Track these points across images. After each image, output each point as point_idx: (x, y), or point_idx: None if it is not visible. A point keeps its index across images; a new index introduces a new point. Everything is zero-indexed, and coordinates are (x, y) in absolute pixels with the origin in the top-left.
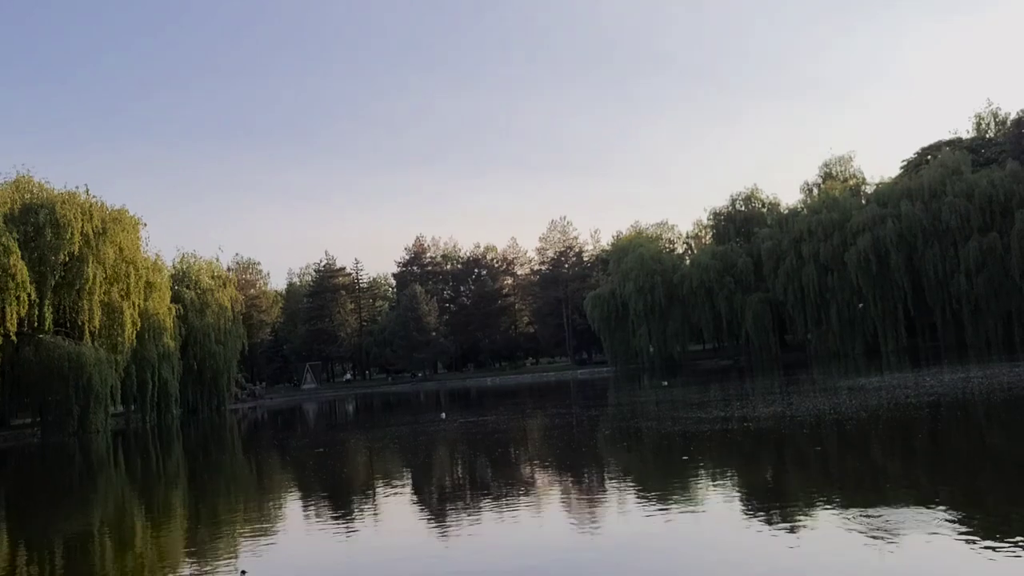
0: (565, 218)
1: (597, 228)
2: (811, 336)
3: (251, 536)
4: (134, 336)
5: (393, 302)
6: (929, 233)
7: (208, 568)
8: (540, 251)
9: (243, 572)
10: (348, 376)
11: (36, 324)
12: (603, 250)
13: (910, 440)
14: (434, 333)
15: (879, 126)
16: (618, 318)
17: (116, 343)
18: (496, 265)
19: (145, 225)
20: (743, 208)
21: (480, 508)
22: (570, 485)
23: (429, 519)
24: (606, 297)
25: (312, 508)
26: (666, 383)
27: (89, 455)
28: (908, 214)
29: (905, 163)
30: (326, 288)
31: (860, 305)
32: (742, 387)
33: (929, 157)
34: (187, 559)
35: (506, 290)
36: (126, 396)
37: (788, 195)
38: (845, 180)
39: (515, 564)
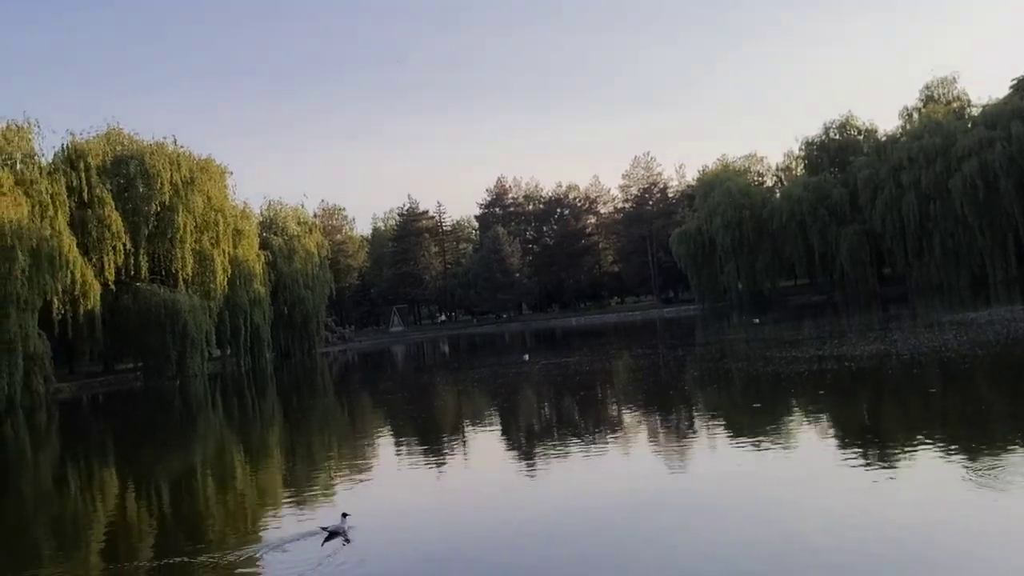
0: (649, 154)
1: (682, 163)
2: (912, 268)
3: (347, 475)
4: (225, 283)
5: (476, 244)
6: None
7: (306, 506)
8: (623, 188)
9: (344, 515)
10: (443, 318)
11: (133, 273)
12: (688, 185)
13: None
14: (517, 274)
15: (985, 44)
16: (705, 255)
17: (208, 289)
18: (579, 204)
19: (231, 174)
20: (837, 136)
21: (568, 448)
22: (657, 425)
23: (518, 458)
24: (692, 233)
25: (404, 448)
26: (757, 320)
27: (188, 397)
28: (1019, 136)
29: (1015, 82)
30: (410, 232)
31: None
32: (838, 324)
33: None
34: (286, 497)
35: (589, 229)
36: (220, 341)
37: (886, 122)
38: (948, 103)
39: (603, 503)
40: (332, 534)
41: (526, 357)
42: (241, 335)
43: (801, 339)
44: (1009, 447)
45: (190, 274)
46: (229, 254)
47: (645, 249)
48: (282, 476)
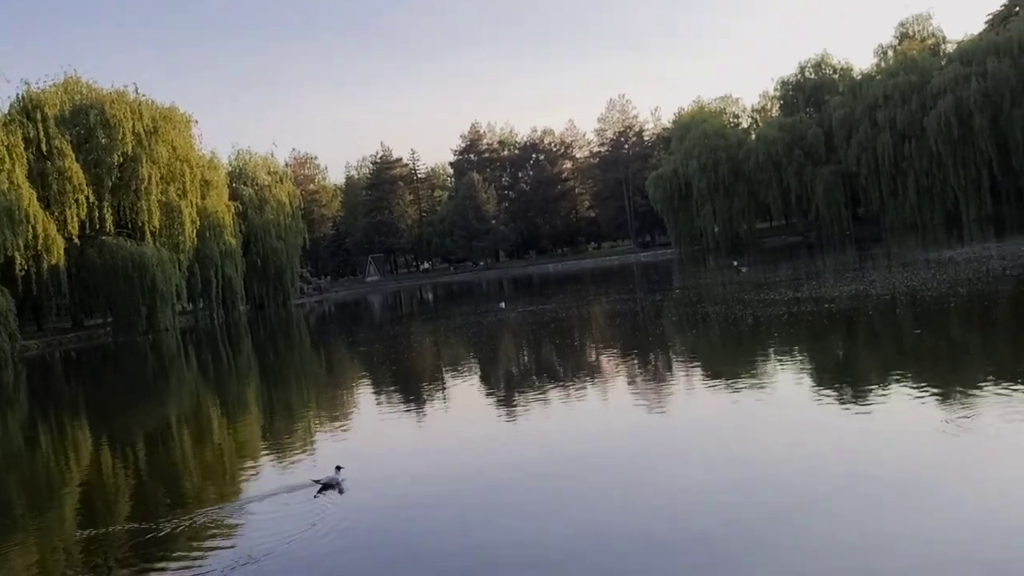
0: (624, 96)
1: (658, 106)
2: (887, 208)
3: (326, 428)
4: (194, 235)
5: (451, 192)
6: (1017, 92)
7: (286, 458)
8: (599, 132)
9: (338, 467)
10: (426, 265)
11: (98, 226)
12: (664, 128)
13: (999, 315)
14: (493, 221)
15: None
16: (681, 198)
17: (177, 242)
18: (554, 149)
19: (196, 123)
20: (813, 76)
21: (547, 394)
22: (635, 370)
23: (498, 404)
24: (668, 177)
25: (384, 397)
26: (736, 263)
27: (160, 353)
28: (995, 72)
29: (991, 17)
30: (384, 180)
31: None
32: (814, 265)
33: (1018, 8)
34: (265, 451)
35: (565, 174)
36: (192, 295)
37: (861, 60)
38: (923, 40)
39: (583, 448)
40: (325, 486)
41: (502, 305)
42: (213, 288)
43: (778, 281)
44: (983, 385)
45: (157, 226)
46: (197, 205)
47: (621, 194)
48: (260, 430)
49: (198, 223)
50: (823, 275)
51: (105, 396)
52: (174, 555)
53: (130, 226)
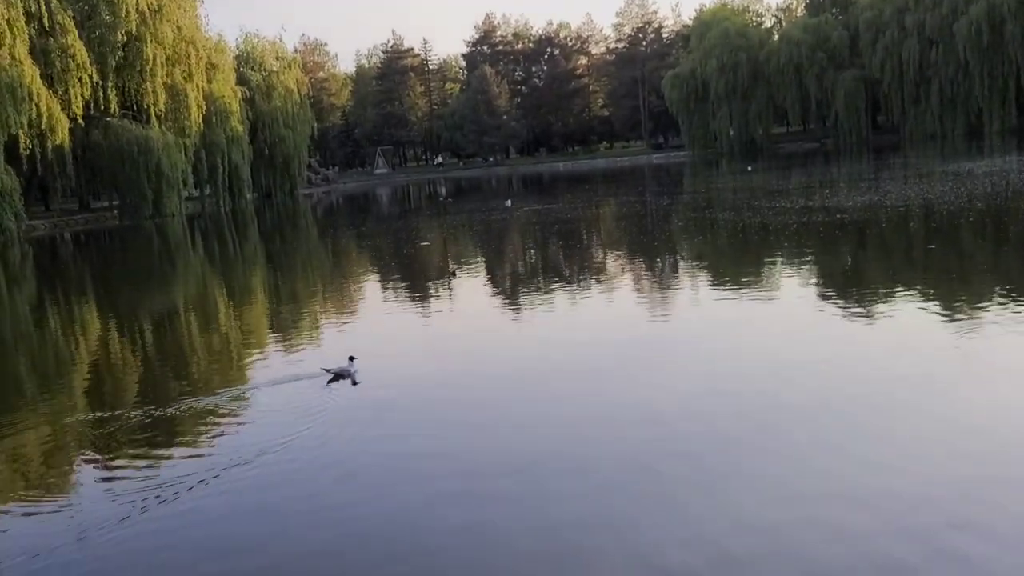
0: None
1: (678, 1)
2: (908, 116)
3: (332, 318)
4: (200, 119)
5: (463, 85)
6: None
7: (291, 346)
8: (616, 28)
9: (351, 358)
10: (440, 160)
11: (102, 107)
12: (684, 26)
13: (1016, 231)
14: (505, 116)
15: None
16: (698, 99)
17: (183, 126)
18: (569, 44)
19: (203, 2)
20: None
21: (548, 294)
22: (637, 274)
23: (501, 306)
24: (686, 76)
25: (389, 291)
26: (750, 168)
27: (167, 237)
28: None
29: None
30: (394, 70)
31: None
32: (829, 173)
33: None
34: (271, 338)
35: (580, 71)
36: (198, 181)
37: None
38: None
39: (585, 347)
40: (337, 376)
41: (508, 203)
42: (219, 175)
43: (790, 189)
44: (991, 302)
45: (163, 110)
46: (203, 89)
47: (636, 92)
48: (267, 318)
49: (204, 108)
50: (837, 184)
51: (112, 278)
52: (181, 438)
53: (135, 108)
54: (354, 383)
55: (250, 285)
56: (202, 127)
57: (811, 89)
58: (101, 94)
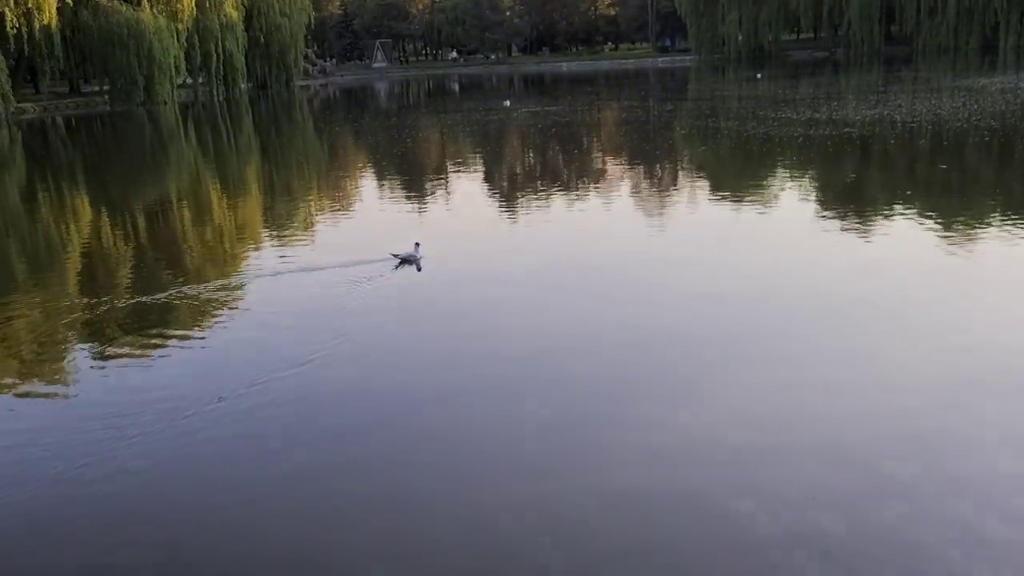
0: None
1: None
2: (922, 28)
3: (328, 211)
4: (193, 4)
5: None
6: None
7: (286, 238)
8: None
9: (417, 244)
10: (454, 54)
11: None
12: None
13: (1013, 158)
14: (508, 12)
15: None
16: (708, 1)
17: (175, 10)
18: None
19: None
20: None
21: (550, 198)
22: (631, 183)
23: (499, 205)
24: None
25: (385, 186)
26: (759, 76)
27: (159, 125)
28: None
29: None
30: None
31: None
32: (838, 83)
33: None
34: (265, 229)
35: None
36: (191, 68)
37: None
38: None
39: (583, 254)
40: (404, 261)
41: (507, 103)
42: (213, 62)
43: (797, 99)
44: (990, 220)
45: None
46: None
47: None
48: (261, 209)
49: None
50: (846, 96)
51: (105, 166)
52: (173, 324)
53: None
54: (419, 268)
55: (244, 177)
56: (195, 12)
57: None
58: None
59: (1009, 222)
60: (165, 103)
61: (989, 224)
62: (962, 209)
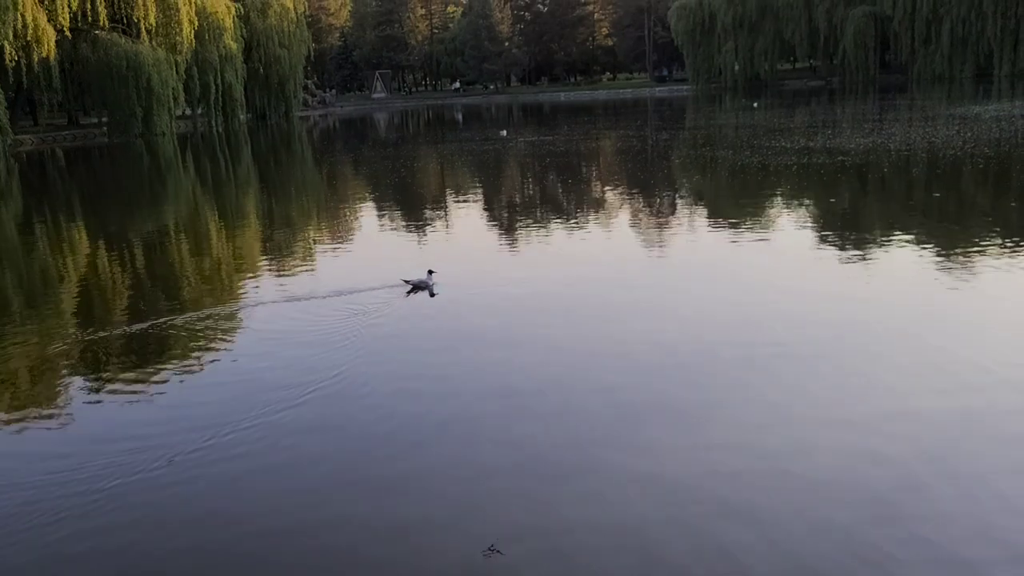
0: None
1: None
2: (917, 56)
3: (328, 241)
4: (192, 36)
5: (465, 8)
6: None
7: (286, 270)
8: None
9: (430, 271)
10: (456, 85)
11: (90, 19)
12: None
13: (1009, 186)
14: (507, 43)
15: None
16: (704, 31)
17: (175, 43)
18: None
19: None
20: None
21: (547, 227)
22: (629, 211)
23: (499, 232)
24: (693, 7)
25: (385, 216)
26: (756, 104)
27: (157, 156)
28: None
29: None
30: None
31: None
32: (833, 112)
33: None
34: (265, 261)
35: None
36: (190, 99)
37: None
38: None
39: (579, 273)
40: (416, 287)
41: (504, 133)
42: (212, 94)
43: (793, 127)
44: (986, 249)
45: (153, 24)
46: (196, 4)
47: (642, 22)
48: (260, 240)
49: (196, 23)
50: (841, 124)
51: (102, 197)
52: (172, 356)
53: (125, 22)
54: (432, 294)
55: (243, 208)
56: (194, 44)
57: (820, 24)
58: (89, 6)
59: (1006, 250)
60: (164, 134)
61: (986, 252)
62: (958, 237)
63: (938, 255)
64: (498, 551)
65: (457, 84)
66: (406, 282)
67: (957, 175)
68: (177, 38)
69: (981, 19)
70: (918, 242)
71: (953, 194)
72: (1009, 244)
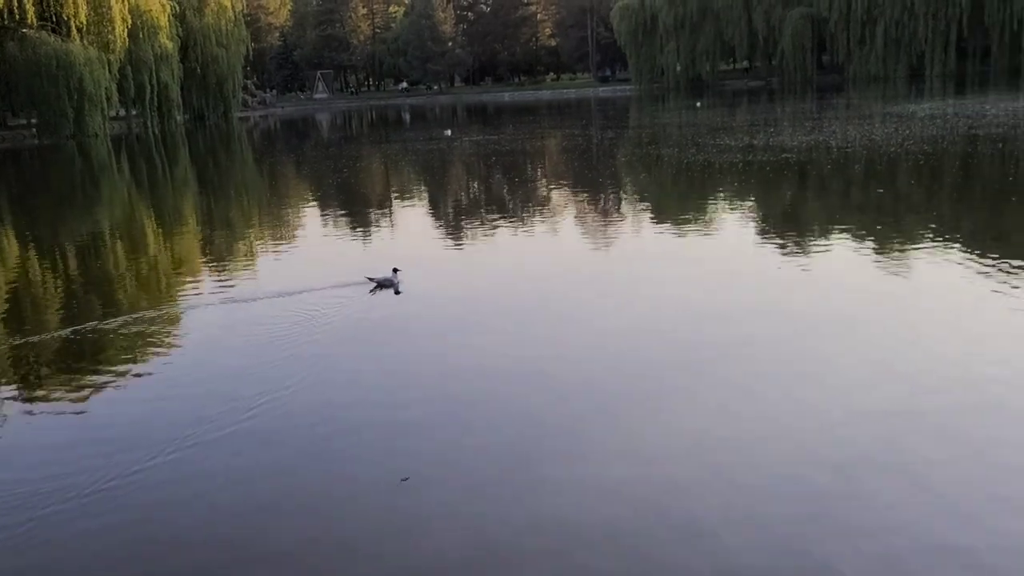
0: None
1: None
2: (853, 57)
3: (271, 244)
4: (126, 34)
5: (407, 8)
6: None
7: (226, 274)
8: None
9: (395, 269)
10: (404, 84)
11: (17, 17)
12: None
13: (957, 172)
14: (450, 43)
15: None
16: (646, 32)
17: (107, 41)
18: None
19: None
20: None
21: (495, 226)
22: (585, 206)
23: (443, 232)
24: (635, 8)
25: (329, 217)
26: (699, 104)
27: (90, 158)
28: None
29: None
30: None
31: None
32: (773, 111)
33: None
34: (206, 265)
35: None
36: (124, 100)
37: None
38: None
39: (527, 281)
40: (380, 285)
41: (448, 132)
42: (147, 94)
43: (735, 126)
44: (924, 243)
45: (84, 22)
46: (129, 2)
47: (585, 23)
48: (199, 243)
49: (130, 21)
50: (782, 123)
51: (33, 200)
52: (105, 361)
53: (54, 20)
54: (397, 292)
55: (181, 210)
56: (128, 42)
57: (759, 25)
58: (16, 3)
59: (941, 241)
60: (97, 135)
61: (922, 244)
62: (900, 231)
63: (881, 249)
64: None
65: (404, 84)
66: (370, 280)
67: (898, 170)
68: (110, 36)
69: (914, 20)
70: (861, 236)
71: (894, 189)
72: (948, 238)
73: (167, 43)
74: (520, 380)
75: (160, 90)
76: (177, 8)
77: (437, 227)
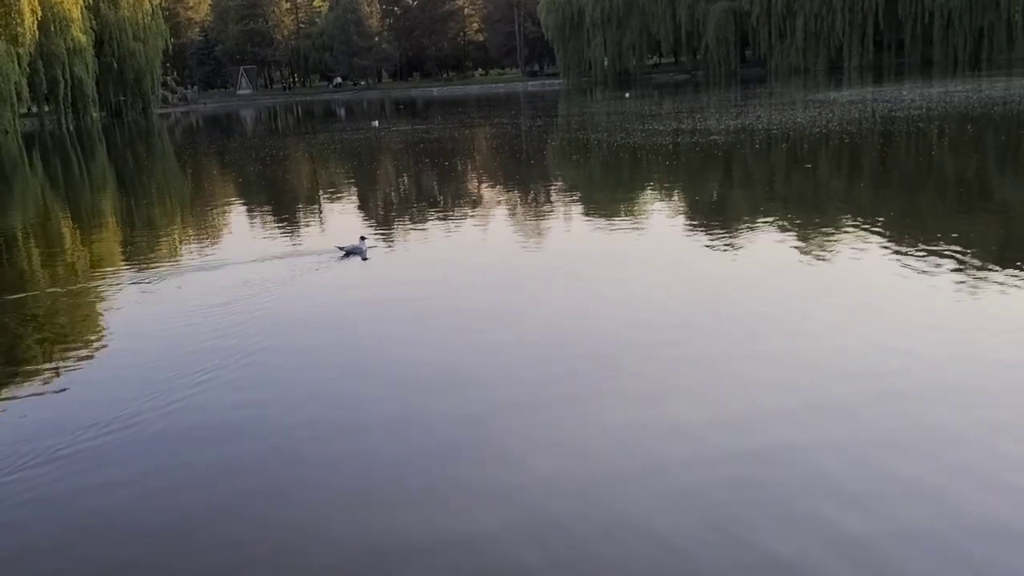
0: None
1: None
2: (774, 50)
3: (194, 242)
4: (35, 27)
5: (332, 2)
6: None
7: (149, 274)
8: None
9: (362, 237)
10: (338, 80)
11: None
12: None
13: (874, 157)
14: (376, 38)
15: None
16: (573, 26)
17: (15, 34)
18: None
19: None
20: None
21: (426, 218)
22: (515, 197)
23: (374, 227)
24: (561, 3)
25: (255, 214)
26: (628, 95)
27: None
28: None
29: None
30: None
31: None
32: (699, 100)
33: None
34: (125, 264)
35: None
36: (36, 96)
37: None
38: None
39: (463, 276)
40: (349, 253)
41: (375, 123)
42: (61, 89)
43: (663, 113)
44: (846, 225)
45: None
46: None
47: (512, 17)
48: (119, 243)
49: (40, 13)
50: (709, 109)
51: None
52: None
53: None
54: (364, 259)
55: (99, 209)
56: (38, 36)
57: (683, 20)
58: None
59: (867, 219)
60: (7, 132)
61: (849, 224)
62: (828, 207)
63: (811, 229)
64: None
65: (339, 79)
66: (340, 248)
67: (825, 149)
68: (18, 29)
69: (832, 14)
70: (791, 216)
71: (823, 166)
72: (872, 213)
73: (80, 36)
74: (439, 378)
75: (74, 85)
76: (91, 0)
77: (365, 217)
